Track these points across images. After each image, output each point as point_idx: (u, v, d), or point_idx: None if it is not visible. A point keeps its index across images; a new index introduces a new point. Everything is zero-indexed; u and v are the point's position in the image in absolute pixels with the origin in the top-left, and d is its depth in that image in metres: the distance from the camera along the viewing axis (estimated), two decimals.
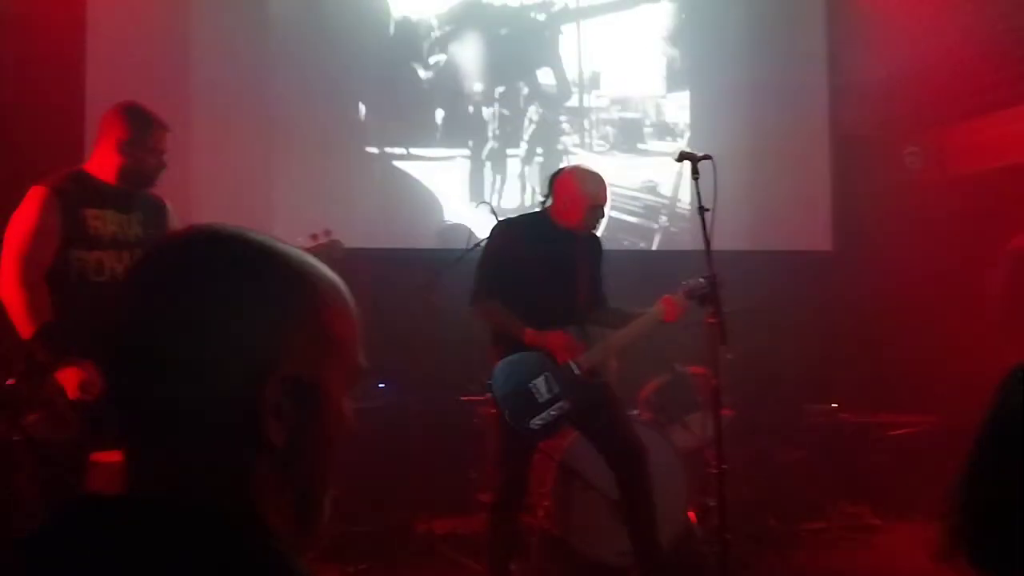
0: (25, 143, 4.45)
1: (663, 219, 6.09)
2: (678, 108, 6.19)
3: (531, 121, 5.92)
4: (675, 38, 6.23)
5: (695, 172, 3.55)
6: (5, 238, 3.11)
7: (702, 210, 3.49)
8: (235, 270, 0.88)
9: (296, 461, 0.88)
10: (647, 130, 6.14)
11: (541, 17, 5.96)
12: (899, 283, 5.78)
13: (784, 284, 5.66)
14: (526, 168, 5.87)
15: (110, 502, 0.85)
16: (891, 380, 5.47)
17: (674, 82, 6.19)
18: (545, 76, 5.96)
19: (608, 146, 6.06)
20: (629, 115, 6.11)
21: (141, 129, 3.26)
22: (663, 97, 6.18)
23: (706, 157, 3.55)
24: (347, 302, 0.94)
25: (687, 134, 6.14)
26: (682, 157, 3.63)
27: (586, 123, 6.05)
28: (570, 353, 3.76)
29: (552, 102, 5.96)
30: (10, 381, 3.02)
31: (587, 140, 6.03)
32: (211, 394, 0.85)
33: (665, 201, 6.08)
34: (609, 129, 6.08)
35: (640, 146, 6.12)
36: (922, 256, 5.76)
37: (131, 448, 0.89)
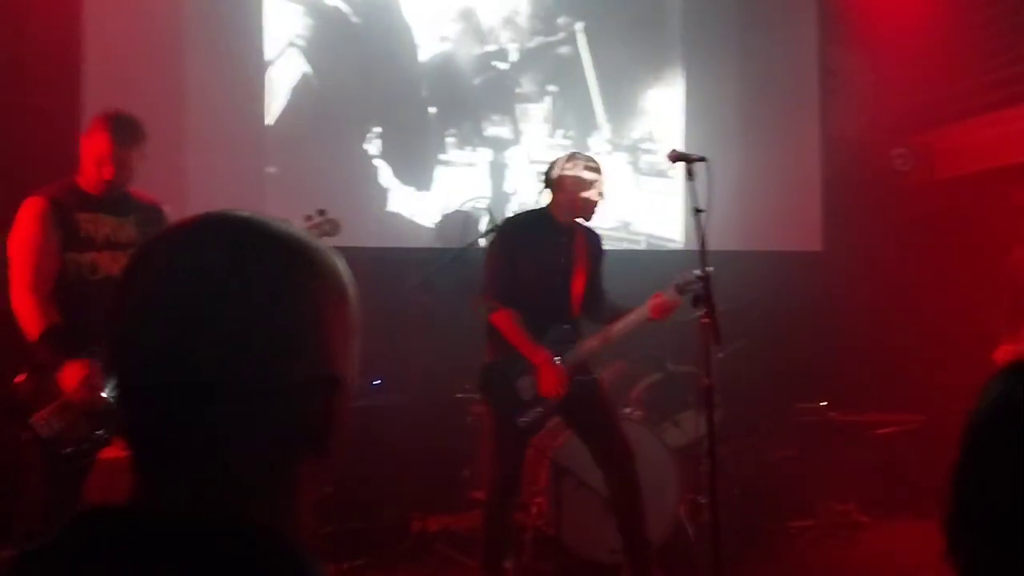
0: (21, 144, 4.45)
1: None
2: (672, 111, 6.23)
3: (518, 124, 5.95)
4: (669, 41, 6.27)
5: (690, 174, 3.53)
6: (9, 251, 3.22)
7: (697, 211, 3.49)
8: (271, 270, 0.82)
9: (331, 457, 0.85)
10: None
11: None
12: (888, 283, 5.85)
13: (774, 284, 5.70)
14: (520, 169, 5.90)
15: (127, 517, 0.78)
16: (879, 379, 5.52)
17: (668, 81, 6.23)
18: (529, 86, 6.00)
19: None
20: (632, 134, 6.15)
21: (113, 142, 3.26)
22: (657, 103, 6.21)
23: (701, 159, 3.53)
24: (353, 290, 0.89)
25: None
26: (676, 158, 3.59)
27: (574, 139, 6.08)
28: (553, 390, 3.77)
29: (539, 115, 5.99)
30: (19, 378, 3.09)
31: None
32: (267, 409, 0.79)
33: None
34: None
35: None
36: (910, 257, 5.83)
37: (157, 464, 0.80)
